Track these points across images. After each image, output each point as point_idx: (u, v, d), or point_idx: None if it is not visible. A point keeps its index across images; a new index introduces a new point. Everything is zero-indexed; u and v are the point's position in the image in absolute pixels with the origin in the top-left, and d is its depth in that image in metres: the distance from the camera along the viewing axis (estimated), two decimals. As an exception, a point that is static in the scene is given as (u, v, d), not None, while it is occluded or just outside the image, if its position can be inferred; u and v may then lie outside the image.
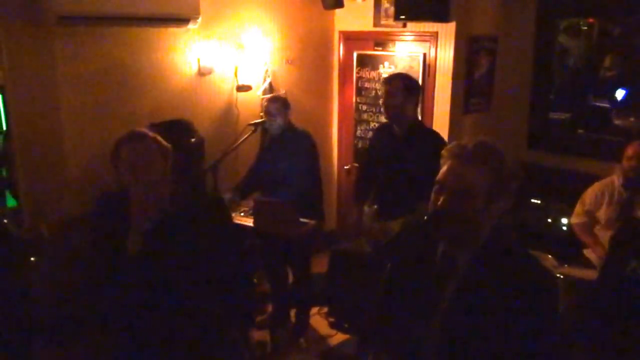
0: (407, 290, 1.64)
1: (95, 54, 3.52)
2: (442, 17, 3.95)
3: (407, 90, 3.16)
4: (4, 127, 4.14)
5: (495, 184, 1.49)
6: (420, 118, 4.43)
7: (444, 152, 1.59)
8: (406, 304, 1.65)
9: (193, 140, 3.77)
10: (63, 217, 3.44)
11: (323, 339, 3.85)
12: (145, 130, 2.17)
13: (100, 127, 3.55)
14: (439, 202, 1.53)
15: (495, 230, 1.57)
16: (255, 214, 3.41)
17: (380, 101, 3.34)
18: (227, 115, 4.27)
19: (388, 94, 3.18)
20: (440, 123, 4.29)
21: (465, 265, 1.55)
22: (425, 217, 1.56)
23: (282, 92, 4.19)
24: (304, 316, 3.86)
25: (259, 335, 3.78)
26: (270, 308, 4.00)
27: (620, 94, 4.60)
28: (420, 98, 3.40)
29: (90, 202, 3.44)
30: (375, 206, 3.32)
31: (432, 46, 4.25)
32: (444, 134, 4.30)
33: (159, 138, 2.14)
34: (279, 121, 3.52)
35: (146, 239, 2.02)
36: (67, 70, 3.43)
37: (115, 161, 2.09)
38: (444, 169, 1.56)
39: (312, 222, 3.30)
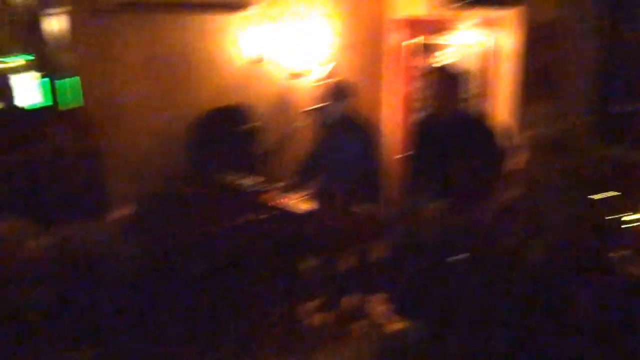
0: (475, 285, 1.59)
1: (158, 40, 3.61)
2: (506, 2, 3.80)
3: (452, 80, 3.15)
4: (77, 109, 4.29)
5: (570, 175, 1.42)
6: (478, 108, 4.31)
7: (520, 140, 1.52)
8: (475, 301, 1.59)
9: (249, 126, 3.78)
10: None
11: (382, 325, 3.80)
12: None
13: (162, 112, 3.64)
14: (511, 195, 1.46)
15: (571, 227, 1.49)
16: (310, 201, 3.39)
17: (429, 92, 3.30)
18: (283, 101, 4.26)
19: (435, 85, 3.20)
20: (502, 113, 4.14)
21: (537, 262, 1.48)
22: (496, 209, 1.49)
23: (336, 79, 4.13)
24: (362, 302, 3.83)
25: (315, 319, 3.78)
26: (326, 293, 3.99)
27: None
28: (465, 89, 3.37)
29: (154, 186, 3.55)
30: (435, 200, 3.25)
31: (493, 33, 4.08)
32: (507, 124, 4.16)
33: None
34: (334, 108, 3.48)
35: None
36: (134, 56, 3.51)
37: None
38: (520, 158, 1.49)
39: (367, 211, 3.25)
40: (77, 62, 3.57)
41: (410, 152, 3.71)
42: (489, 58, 4.16)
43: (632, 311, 1.44)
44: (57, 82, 4.77)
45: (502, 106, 4.17)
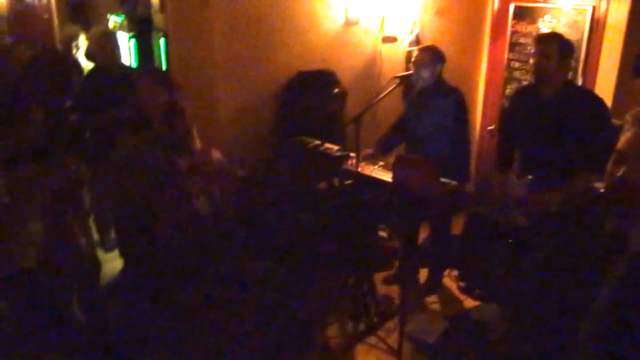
0: (568, 267, 1.51)
1: (248, 2, 3.60)
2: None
3: (562, 53, 2.90)
4: (164, 69, 4.45)
5: None
6: (580, 80, 4.04)
7: (628, 117, 1.41)
8: (565, 282, 1.52)
9: (336, 91, 3.76)
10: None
11: (451, 302, 3.77)
12: None
13: (250, 74, 3.66)
14: (619, 173, 1.36)
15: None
16: (395, 169, 3.34)
17: (531, 60, 3.08)
18: (371, 67, 4.19)
19: (540, 55, 2.92)
20: (604, 86, 3.86)
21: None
22: (602, 190, 1.40)
23: (430, 43, 4.00)
24: (436, 277, 3.80)
25: (387, 290, 3.79)
26: (397, 265, 3.99)
27: None
28: (572, 61, 3.12)
29: (237, 144, 3.65)
30: (530, 177, 3.10)
31: (604, -2, 3.79)
32: (608, 99, 3.88)
33: None
34: (426, 74, 3.38)
35: None
36: (222, 17, 3.54)
37: None
38: (627, 135, 1.39)
39: (454, 183, 3.16)
40: (166, 23, 3.65)
41: (503, 124, 3.54)
42: (596, 25, 3.87)
43: None
44: (145, 42, 5.00)
45: (604, 80, 3.90)
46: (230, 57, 3.64)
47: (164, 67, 4.58)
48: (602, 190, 1.39)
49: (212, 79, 3.66)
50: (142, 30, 5.01)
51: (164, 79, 3.19)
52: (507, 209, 3.16)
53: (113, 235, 3.93)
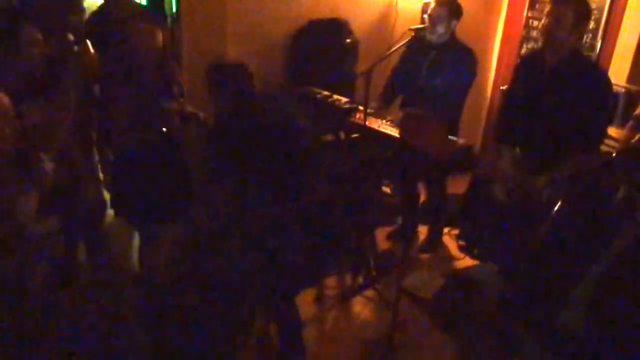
0: (577, 235, 1.49)
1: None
2: None
3: (576, 18, 2.64)
4: (174, 11, 4.35)
5: None
6: (599, 43, 3.92)
7: None
8: (572, 249, 1.50)
9: (348, 40, 3.68)
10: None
11: (450, 260, 3.80)
12: None
13: (261, 22, 3.58)
14: (634, 140, 1.33)
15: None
16: (403, 125, 3.29)
17: (541, 22, 2.85)
18: (385, 18, 4.08)
19: (553, 18, 2.66)
20: (624, 49, 3.76)
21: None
22: (614, 154, 1.37)
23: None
24: (435, 234, 3.81)
25: (388, 245, 3.82)
26: (400, 221, 4.00)
27: None
28: (586, 29, 2.84)
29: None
30: (518, 150, 2.96)
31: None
32: (627, 63, 3.79)
33: None
34: (440, 29, 3.28)
35: None
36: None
37: None
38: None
39: (462, 142, 3.12)
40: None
41: (508, 90, 3.40)
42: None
43: None
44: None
45: (624, 44, 3.78)
46: (241, 3, 3.54)
47: (173, 7, 4.48)
48: (613, 155, 1.36)
49: (222, 25, 3.59)
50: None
51: (160, 22, 3.12)
52: (490, 182, 3.05)
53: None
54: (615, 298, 1.40)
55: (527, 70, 2.99)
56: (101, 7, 3.90)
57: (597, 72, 2.78)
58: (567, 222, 1.53)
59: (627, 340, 1.35)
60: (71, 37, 3.27)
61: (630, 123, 1.37)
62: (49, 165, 2.41)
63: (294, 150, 2.43)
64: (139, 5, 4.50)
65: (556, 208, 1.56)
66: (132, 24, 2.99)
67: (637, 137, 1.33)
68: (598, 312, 1.40)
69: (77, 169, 2.84)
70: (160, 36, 2.95)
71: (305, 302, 3.09)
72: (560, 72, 2.72)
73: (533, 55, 3.09)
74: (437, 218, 3.82)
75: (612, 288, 1.40)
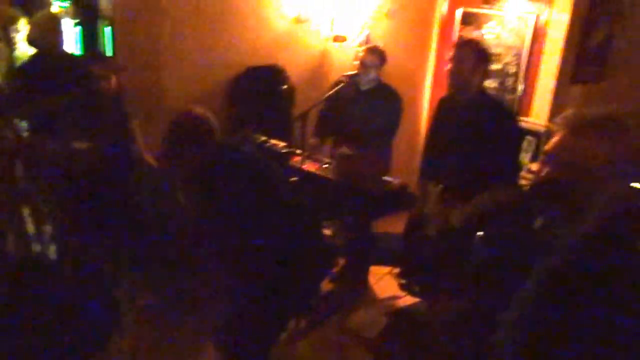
0: (499, 263, 1.56)
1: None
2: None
3: (478, 58, 2.85)
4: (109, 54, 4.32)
5: (614, 159, 1.35)
6: (520, 86, 4.16)
7: (557, 119, 1.46)
8: (496, 276, 1.57)
9: (285, 87, 3.76)
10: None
11: (392, 299, 3.83)
12: None
13: (198, 64, 3.62)
14: (543, 174, 1.42)
15: (607, 211, 1.43)
16: (339, 166, 3.37)
17: (447, 67, 3.03)
18: (320, 65, 4.22)
19: (456, 60, 2.87)
20: (544, 91, 4.02)
21: (565, 243, 1.43)
22: (527, 188, 1.46)
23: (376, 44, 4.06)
24: (360, 275, 3.84)
25: (330, 287, 3.81)
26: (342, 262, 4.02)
27: None
28: (488, 70, 3.01)
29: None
30: (441, 186, 3.11)
31: (546, 7, 3.93)
32: (546, 104, 4.04)
33: None
34: (372, 75, 3.43)
35: None
36: (171, 9, 3.49)
37: None
38: (555, 139, 1.44)
39: (398, 181, 3.22)
40: (113, 11, 3.56)
41: (428, 132, 3.55)
42: (538, 33, 4.01)
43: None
44: (90, 30, 4.84)
45: (543, 86, 4.05)
46: (179, 49, 3.58)
47: (109, 54, 4.46)
48: (526, 189, 1.45)
49: (160, 70, 3.60)
50: (88, 18, 4.87)
51: (113, 64, 3.13)
52: (422, 218, 3.17)
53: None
54: (538, 322, 1.46)
55: (443, 112, 3.17)
56: (35, 55, 3.84)
57: (502, 111, 2.99)
58: (486, 252, 1.61)
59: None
60: None
61: (541, 157, 1.46)
62: None
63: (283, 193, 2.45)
64: (73, 54, 4.46)
65: (475, 240, 1.64)
66: (90, 65, 3.01)
67: (545, 171, 1.42)
68: (523, 334, 1.46)
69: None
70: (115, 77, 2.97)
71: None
72: (470, 112, 2.89)
73: (448, 97, 3.26)
74: (359, 258, 3.84)
75: (535, 312, 1.46)
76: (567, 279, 1.39)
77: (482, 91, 2.99)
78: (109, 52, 4.52)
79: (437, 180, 3.06)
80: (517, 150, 3.11)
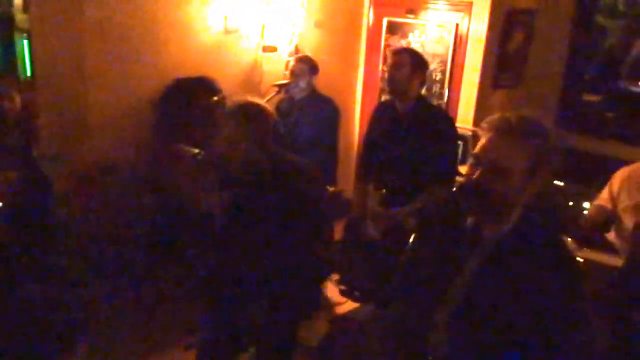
0: (432, 262, 1.61)
1: (121, 5, 3.45)
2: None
3: (414, 65, 2.96)
4: (29, 74, 4.13)
5: (535, 161, 1.44)
6: (446, 92, 4.33)
7: (483, 124, 1.54)
8: (429, 275, 1.62)
9: (215, 99, 3.71)
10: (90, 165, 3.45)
11: (333, 306, 3.85)
12: None
13: (124, 76, 3.51)
14: (473, 176, 1.48)
15: (528, 209, 1.53)
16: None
17: (385, 75, 3.12)
18: (251, 75, 4.20)
19: (394, 67, 2.97)
20: (468, 97, 4.19)
21: (492, 242, 1.51)
22: (455, 189, 1.52)
23: (306, 54, 4.10)
24: None
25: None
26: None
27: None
28: (426, 77, 3.16)
29: (110, 152, 3.48)
30: (384, 190, 3.20)
31: (465, 16, 4.12)
32: (471, 109, 4.22)
33: None
34: (302, 84, 3.45)
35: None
36: (93, 16, 3.36)
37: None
38: (482, 142, 1.51)
39: (332, 188, 3.26)
40: (30, 24, 3.41)
41: (365, 137, 3.63)
42: (460, 41, 4.19)
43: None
44: (6, 44, 4.62)
45: (467, 91, 4.23)
46: (102, 62, 3.45)
47: (27, 70, 4.26)
48: (455, 190, 1.51)
49: (82, 84, 3.45)
50: (3, 31, 4.64)
51: (18, 82, 2.97)
52: (362, 222, 3.25)
53: None
54: (469, 319, 1.52)
55: (381, 118, 3.25)
56: None
57: (440, 115, 3.13)
58: (421, 251, 1.66)
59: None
60: None
61: (470, 160, 1.53)
62: None
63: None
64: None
65: (411, 238, 1.69)
66: None
67: (476, 174, 1.48)
68: (457, 332, 1.51)
69: None
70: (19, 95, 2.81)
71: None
72: (410, 117, 3.00)
73: (386, 103, 3.37)
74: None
75: (466, 309, 1.53)
76: (492, 276, 1.47)
77: (421, 97, 3.10)
78: (27, 67, 4.33)
79: (377, 184, 3.13)
80: (456, 152, 3.25)
